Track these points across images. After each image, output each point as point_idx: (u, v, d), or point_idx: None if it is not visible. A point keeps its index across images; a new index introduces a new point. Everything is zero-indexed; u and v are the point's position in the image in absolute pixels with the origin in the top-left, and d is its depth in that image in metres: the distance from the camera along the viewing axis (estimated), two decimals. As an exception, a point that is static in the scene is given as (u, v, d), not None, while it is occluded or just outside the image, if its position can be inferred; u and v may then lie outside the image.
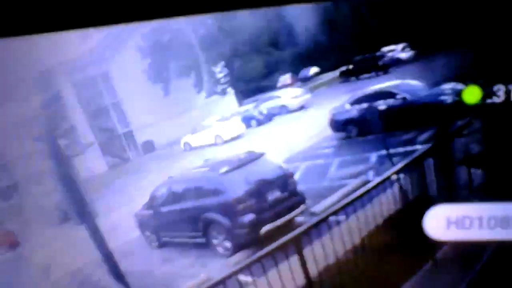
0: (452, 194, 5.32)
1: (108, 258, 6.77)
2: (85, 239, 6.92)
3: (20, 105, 9.10)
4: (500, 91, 3.94)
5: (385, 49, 11.19)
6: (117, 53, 11.58)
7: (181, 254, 8.39)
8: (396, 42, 10.17)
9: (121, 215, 9.16)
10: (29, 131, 9.50)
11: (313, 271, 4.87)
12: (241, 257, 6.71)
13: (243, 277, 4.67)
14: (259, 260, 4.57)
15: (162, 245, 9.12)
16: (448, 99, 7.46)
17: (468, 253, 4.57)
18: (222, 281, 4.26)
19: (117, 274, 6.67)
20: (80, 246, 7.30)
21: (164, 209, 9.15)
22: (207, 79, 13.36)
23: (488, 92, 4.05)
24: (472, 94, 4.17)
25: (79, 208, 7.09)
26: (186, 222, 8.61)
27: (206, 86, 13.49)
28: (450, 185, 5.24)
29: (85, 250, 7.08)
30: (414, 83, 9.56)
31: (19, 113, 9.24)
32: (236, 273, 4.47)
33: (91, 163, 11.54)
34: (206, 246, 8.18)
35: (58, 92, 11.64)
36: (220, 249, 8.02)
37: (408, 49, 10.02)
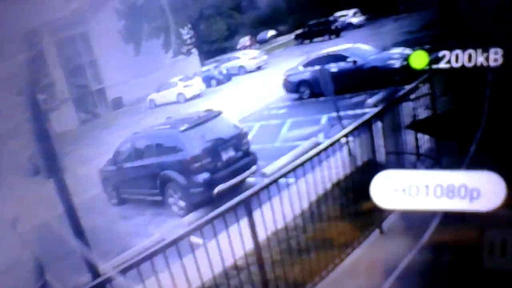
0: (399, 161, 5.06)
1: (71, 214, 6.47)
2: (52, 193, 6.58)
3: (5, 62, 8.73)
4: (446, 56, 3.61)
5: (337, 14, 11.09)
6: (97, 14, 11.48)
7: (138, 212, 8.16)
8: (348, 7, 10.00)
9: (88, 170, 8.95)
10: (11, 86, 9.24)
11: (261, 234, 4.62)
12: (195, 217, 6.45)
13: (194, 239, 4.39)
14: (210, 222, 4.28)
15: (121, 202, 8.86)
16: (396, 63, 7.19)
17: (415, 222, 4.34)
18: (174, 242, 3.95)
19: (78, 230, 6.36)
20: (47, 200, 6.98)
21: (126, 165, 8.85)
22: (174, 40, 13.35)
23: (434, 58, 3.73)
24: (419, 59, 3.84)
25: (49, 162, 6.74)
26: (145, 179, 8.34)
27: (173, 47, 13.49)
28: (398, 150, 4.94)
29: (51, 204, 6.76)
30: (365, 47, 9.40)
31: (2, 69, 8.94)
32: (187, 235, 4.18)
33: (65, 118, 11.35)
34: (162, 204, 7.94)
35: (41, 50, 11.49)
36: (175, 208, 7.75)
37: (359, 14, 9.87)
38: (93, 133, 10.70)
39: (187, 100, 12.06)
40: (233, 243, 4.20)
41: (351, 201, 4.69)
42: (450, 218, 3.86)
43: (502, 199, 3.35)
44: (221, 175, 7.43)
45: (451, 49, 3.74)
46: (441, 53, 3.79)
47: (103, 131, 10.78)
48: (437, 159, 4.62)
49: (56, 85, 11.87)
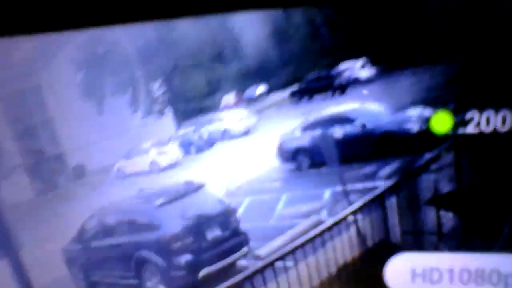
0: (418, 241, 5.21)
1: None
2: (7, 275, 6.61)
3: None
4: (475, 118, 3.79)
5: (342, 66, 11.12)
6: (49, 66, 11.44)
7: None
8: (354, 57, 10.12)
9: (48, 249, 8.92)
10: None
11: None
12: None
13: None
14: None
15: (91, 285, 8.87)
16: (414, 127, 7.39)
17: None
18: None
19: None
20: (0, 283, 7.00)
21: (94, 244, 8.92)
22: (143, 97, 13.25)
23: (461, 120, 3.91)
24: (442, 122, 4.03)
25: (1, 240, 6.77)
26: (117, 260, 8.40)
27: (143, 105, 13.37)
28: (416, 229, 5.11)
29: None
30: (375, 107, 9.48)
31: None
32: None
33: (17, 188, 11.26)
34: None
35: None
36: None
37: (368, 66, 9.97)
38: (52, 206, 10.70)
39: (162, 169, 12.08)
40: None
41: (361, 287, 4.81)
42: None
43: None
44: (206, 257, 7.49)
45: (481, 109, 3.93)
46: (468, 115, 3.97)
47: (64, 204, 10.76)
48: (464, 240, 4.75)
49: (3, 149, 11.77)
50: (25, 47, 10.67)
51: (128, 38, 11.38)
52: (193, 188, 8.23)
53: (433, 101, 5.48)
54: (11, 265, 6.36)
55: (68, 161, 12.02)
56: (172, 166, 12.21)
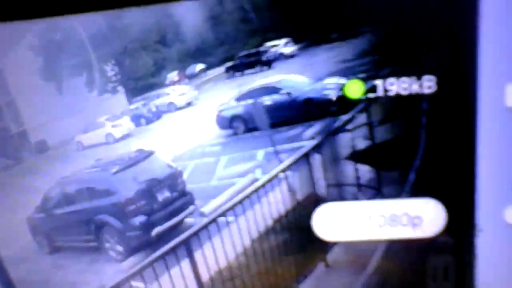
0: (340, 192, 5.22)
1: None
2: None
3: None
4: (380, 85, 3.80)
5: (268, 44, 11.11)
6: (10, 51, 11.14)
7: (73, 260, 7.89)
8: (278, 37, 10.08)
9: (14, 219, 8.75)
10: None
11: (204, 275, 4.71)
12: (134, 261, 6.47)
13: (135, 283, 4.45)
14: (150, 265, 4.36)
15: (54, 250, 8.46)
16: (332, 93, 7.36)
17: (360, 252, 4.50)
18: None
19: (6, 283, 6.23)
20: None
21: (57, 211, 8.49)
22: (98, 77, 12.99)
23: (369, 87, 3.91)
24: (354, 89, 4.02)
25: None
26: (78, 225, 8.07)
27: (98, 85, 13.12)
28: (338, 182, 5.11)
29: None
30: (298, 78, 9.49)
31: None
32: (127, 279, 4.24)
33: None
34: (98, 250, 7.59)
35: None
36: (112, 253, 7.51)
37: (290, 44, 9.97)
38: (16, 179, 10.47)
39: (116, 140, 11.86)
40: (176, 285, 4.28)
41: (294, 236, 4.81)
42: (394, 247, 4.03)
43: (443, 225, 3.55)
44: (158, 217, 7.35)
45: (385, 77, 3.94)
46: (375, 82, 3.97)
47: (27, 177, 10.54)
48: (378, 189, 4.79)
49: None
50: None
51: (81, 26, 11.08)
52: (144, 156, 8.08)
53: (346, 71, 5.46)
54: None
55: (30, 138, 11.68)
56: (125, 136, 12.03)
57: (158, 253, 4.52)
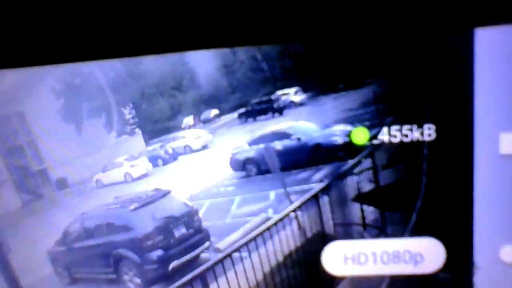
0: (347, 231, 5.31)
1: None
2: None
3: None
4: (385, 132, 3.93)
5: (279, 92, 11.18)
6: (32, 93, 11.20)
7: None
8: (289, 86, 10.19)
9: (35, 251, 8.76)
10: None
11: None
12: None
13: None
14: None
15: (74, 281, 8.55)
16: (339, 139, 7.47)
17: (366, 286, 4.55)
18: None
19: None
20: None
21: (76, 245, 8.55)
22: (116, 120, 13.01)
23: (374, 134, 4.04)
24: (360, 135, 4.15)
25: None
26: (97, 258, 8.10)
27: (116, 127, 13.15)
28: (345, 222, 5.21)
29: None
30: (308, 124, 9.58)
31: None
32: None
33: (5, 200, 10.98)
34: (117, 282, 7.73)
35: None
36: (131, 285, 7.54)
37: (300, 92, 10.05)
38: (38, 214, 10.46)
39: (134, 179, 11.89)
40: None
41: (304, 271, 4.89)
42: (398, 281, 4.11)
43: (443, 262, 3.66)
44: (175, 252, 7.28)
45: (389, 125, 4.08)
46: (379, 129, 4.12)
47: (48, 212, 10.51)
48: (382, 228, 4.88)
49: None
50: (11, 78, 10.43)
51: (101, 71, 11.16)
52: (161, 194, 8.16)
53: (352, 119, 5.60)
54: (0, 267, 6.25)
55: (51, 175, 11.74)
56: (143, 176, 11.99)
57: (174, 285, 4.59)
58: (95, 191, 12.05)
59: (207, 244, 7.55)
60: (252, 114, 13.26)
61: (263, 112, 12.88)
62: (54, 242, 8.39)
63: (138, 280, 7.38)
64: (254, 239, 4.88)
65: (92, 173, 12.39)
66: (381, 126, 4.05)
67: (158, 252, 7.29)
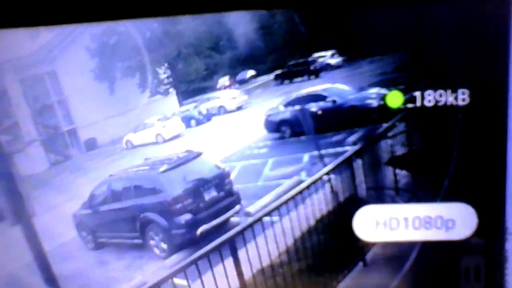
0: (379, 195, 5.32)
1: (41, 261, 6.32)
2: (20, 240, 6.47)
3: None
4: (419, 96, 3.92)
5: (316, 55, 11.09)
6: (66, 53, 11.12)
7: (117, 256, 7.84)
8: (326, 49, 10.11)
9: (60, 214, 8.66)
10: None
11: (247, 273, 4.81)
12: (177, 259, 6.52)
13: (178, 280, 4.55)
14: (194, 262, 4.46)
15: (98, 246, 8.39)
16: (374, 102, 7.43)
17: (396, 252, 4.56)
18: (157, 285, 4.13)
19: (49, 277, 6.25)
20: (13, 248, 6.86)
21: (103, 208, 8.42)
22: (151, 79, 12.94)
23: (408, 97, 4.03)
24: (394, 99, 4.14)
25: (15, 207, 6.60)
26: (123, 222, 8.07)
27: (150, 87, 13.06)
28: (378, 186, 5.22)
29: (18, 253, 6.65)
30: (343, 87, 9.49)
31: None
32: (170, 276, 4.35)
33: (32, 160, 10.96)
34: (143, 247, 7.70)
35: (4, 88, 11.08)
36: (156, 251, 7.56)
37: (337, 55, 9.95)
38: (64, 176, 10.36)
39: (166, 140, 11.76)
40: (219, 283, 4.39)
41: (335, 236, 4.91)
42: (429, 247, 4.13)
43: (474, 228, 3.67)
44: (204, 216, 7.36)
45: (423, 89, 4.06)
46: (414, 93, 4.10)
47: (76, 174, 10.41)
48: (415, 192, 4.88)
49: (21, 125, 11.42)
50: (45, 36, 10.40)
51: (137, 31, 11.09)
52: (192, 156, 8.00)
53: (387, 83, 5.57)
54: (24, 230, 6.21)
55: (80, 135, 11.63)
56: (174, 137, 11.95)
57: (202, 251, 4.60)
58: (124, 152, 11.96)
59: (237, 207, 7.43)
60: (288, 76, 13.12)
61: (300, 74, 12.74)
62: (80, 205, 8.31)
63: (164, 245, 7.31)
64: (285, 202, 4.89)
65: (122, 133, 12.22)
66: (415, 90, 4.04)
67: (187, 216, 7.20)
